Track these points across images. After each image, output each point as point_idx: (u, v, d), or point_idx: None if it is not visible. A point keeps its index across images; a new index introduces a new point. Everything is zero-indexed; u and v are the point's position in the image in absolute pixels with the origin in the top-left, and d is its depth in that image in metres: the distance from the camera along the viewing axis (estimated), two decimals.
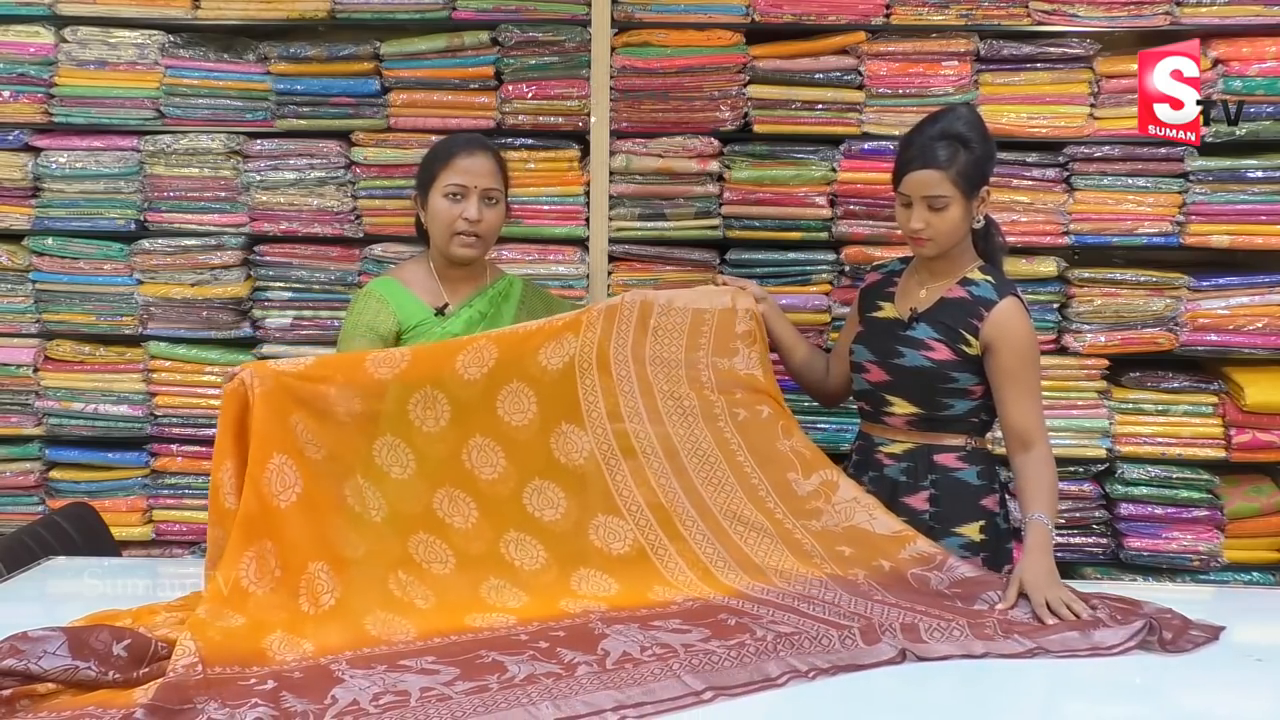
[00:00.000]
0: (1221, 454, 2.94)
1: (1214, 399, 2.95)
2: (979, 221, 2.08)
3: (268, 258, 3.03)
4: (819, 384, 2.34)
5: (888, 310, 2.17)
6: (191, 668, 1.48)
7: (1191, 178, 2.90)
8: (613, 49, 2.89)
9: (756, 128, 2.95)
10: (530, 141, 2.95)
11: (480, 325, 2.13)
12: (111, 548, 2.49)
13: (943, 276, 2.12)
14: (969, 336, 2.04)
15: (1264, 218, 2.91)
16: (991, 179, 2.10)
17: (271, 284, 3.04)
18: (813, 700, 1.50)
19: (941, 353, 2.05)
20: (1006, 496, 2.20)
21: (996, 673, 1.64)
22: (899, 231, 2.14)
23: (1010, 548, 2.16)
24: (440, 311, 2.12)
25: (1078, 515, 2.99)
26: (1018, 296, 2.07)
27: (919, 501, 2.09)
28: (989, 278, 2.08)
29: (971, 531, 2.08)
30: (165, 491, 3.10)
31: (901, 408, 2.11)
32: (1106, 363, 2.96)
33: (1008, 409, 2.03)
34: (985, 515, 2.10)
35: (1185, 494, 2.94)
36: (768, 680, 1.54)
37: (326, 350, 3.04)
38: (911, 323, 2.10)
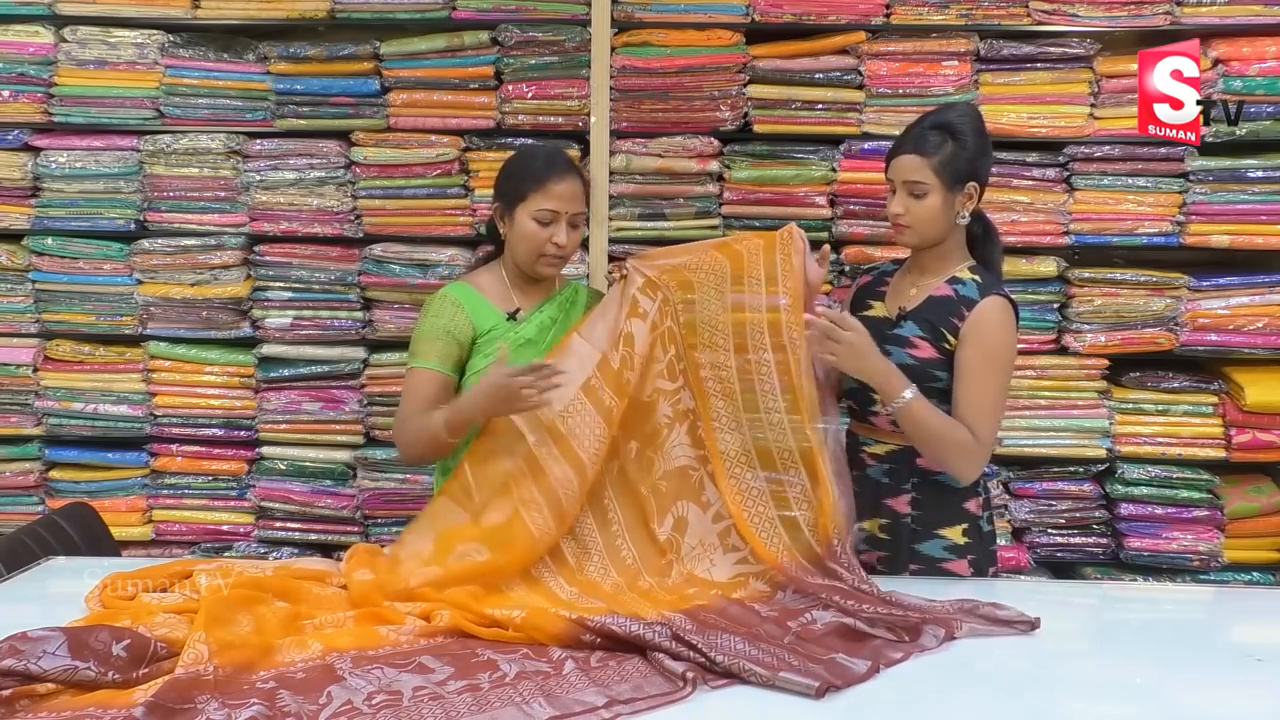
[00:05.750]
0: (1221, 454, 2.95)
1: (1214, 399, 2.95)
2: (963, 218, 2.06)
3: (268, 258, 3.03)
4: None
5: (878, 309, 2.17)
6: (203, 667, 1.49)
7: (1191, 178, 2.90)
8: (613, 49, 2.89)
9: (756, 128, 2.95)
10: (530, 141, 2.95)
11: (551, 330, 2.16)
12: (111, 548, 2.49)
13: (932, 275, 2.11)
14: (950, 335, 2.03)
15: (1264, 218, 2.91)
16: (986, 180, 2.08)
17: (271, 284, 3.04)
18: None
19: (925, 351, 2.04)
20: (991, 499, 2.18)
21: (993, 673, 1.64)
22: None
23: (994, 550, 2.16)
24: (512, 316, 2.15)
25: (1078, 515, 2.99)
26: (1005, 298, 2.04)
27: (901, 504, 2.09)
28: (976, 277, 2.07)
29: (954, 534, 2.07)
30: (165, 491, 3.10)
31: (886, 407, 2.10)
32: (1106, 363, 2.96)
33: (956, 397, 2.00)
34: (968, 518, 2.08)
35: (1185, 494, 2.95)
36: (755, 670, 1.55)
37: (325, 350, 3.05)
38: (899, 321, 2.09)
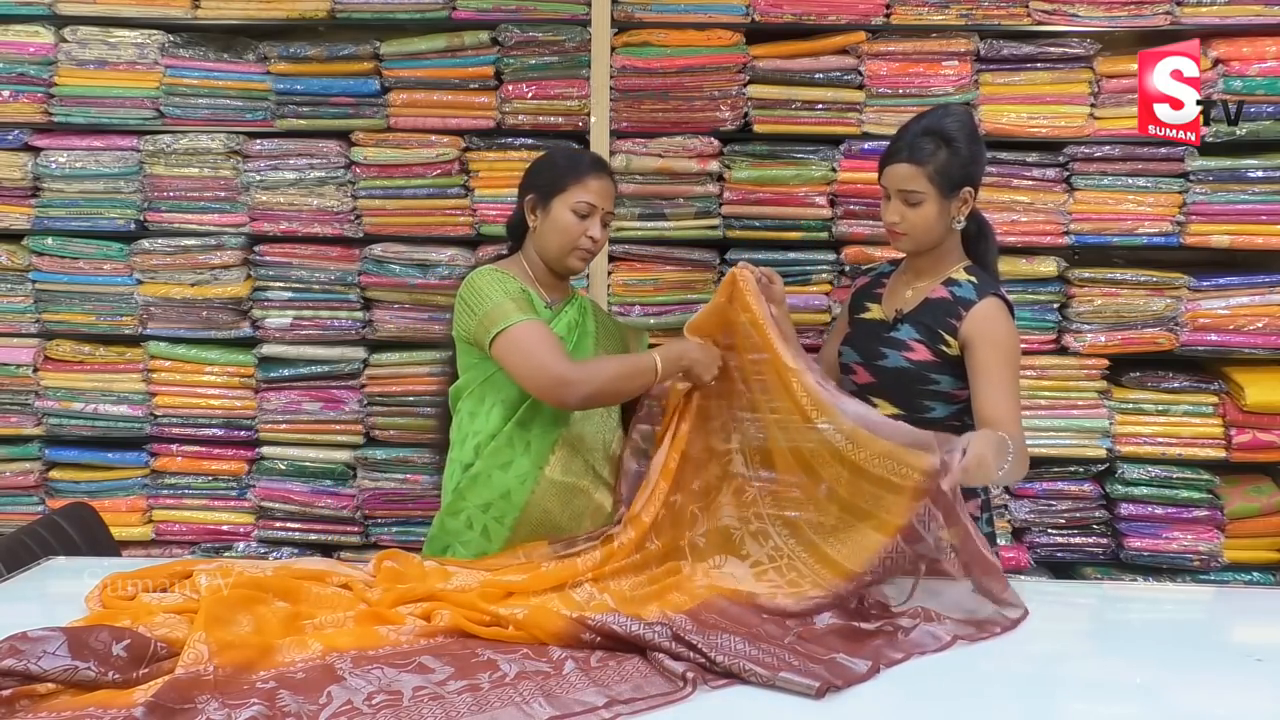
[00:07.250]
0: (1221, 454, 2.95)
1: (1214, 399, 2.95)
2: (959, 222, 2.05)
3: (268, 258, 3.03)
4: None
5: (874, 312, 2.17)
6: (203, 667, 1.49)
7: (1191, 178, 2.90)
8: (613, 49, 2.89)
9: (756, 128, 2.95)
10: (530, 141, 2.95)
11: (575, 331, 2.17)
12: (111, 548, 2.49)
13: (928, 276, 2.10)
14: (948, 336, 2.03)
15: (1264, 218, 2.91)
16: (983, 181, 2.07)
17: (271, 284, 3.04)
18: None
19: (921, 353, 2.04)
20: (990, 500, 2.18)
21: (993, 673, 1.64)
22: None
23: (994, 550, 2.15)
24: (548, 306, 2.16)
25: (1078, 515, 2.99)
26: (1000, 297, 2.04)
27: None
28: (972, 278, 2.06)
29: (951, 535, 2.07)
30: (165, 491, 3.11)
31: (884, 410, 2.06)
32: (1106, 363, 2.96)
33: (979, 401, 1.99)
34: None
35: (1185, 494, 2.95)
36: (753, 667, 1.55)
37: (325, 350, 3.05)
38: (895, 324, 2.09)
